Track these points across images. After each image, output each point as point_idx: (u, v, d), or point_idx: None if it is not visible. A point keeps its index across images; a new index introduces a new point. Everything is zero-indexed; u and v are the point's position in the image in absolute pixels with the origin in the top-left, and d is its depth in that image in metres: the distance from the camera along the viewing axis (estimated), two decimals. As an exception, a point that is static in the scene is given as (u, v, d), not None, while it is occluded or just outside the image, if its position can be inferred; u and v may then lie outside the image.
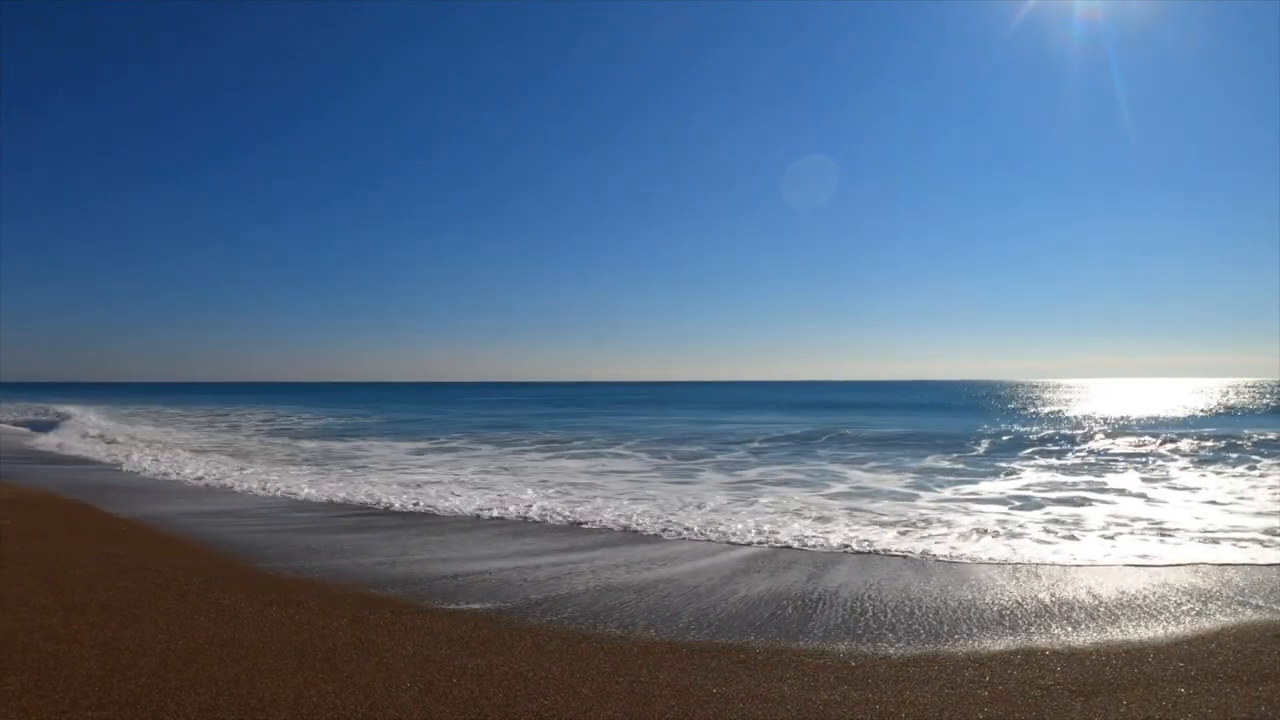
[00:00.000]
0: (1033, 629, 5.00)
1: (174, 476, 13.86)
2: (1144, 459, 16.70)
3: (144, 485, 12.83)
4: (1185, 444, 20.12)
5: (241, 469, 14.88)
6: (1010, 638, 4.81)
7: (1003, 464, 15.76)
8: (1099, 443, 20.73)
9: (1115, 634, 4.88)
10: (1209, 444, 19.93)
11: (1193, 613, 5.35)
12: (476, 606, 5.50)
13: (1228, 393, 78.42)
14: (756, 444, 20.86)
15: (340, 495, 11.42)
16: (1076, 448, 19.26)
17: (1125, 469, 14.80)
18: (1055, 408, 46.14)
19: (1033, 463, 16.14)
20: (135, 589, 5.77)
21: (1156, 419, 32.67)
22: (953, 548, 7.54)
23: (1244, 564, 6.84)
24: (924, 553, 7.35)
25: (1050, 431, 24.68)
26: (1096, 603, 5.62)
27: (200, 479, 13.40)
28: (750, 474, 14.37)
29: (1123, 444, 20.38)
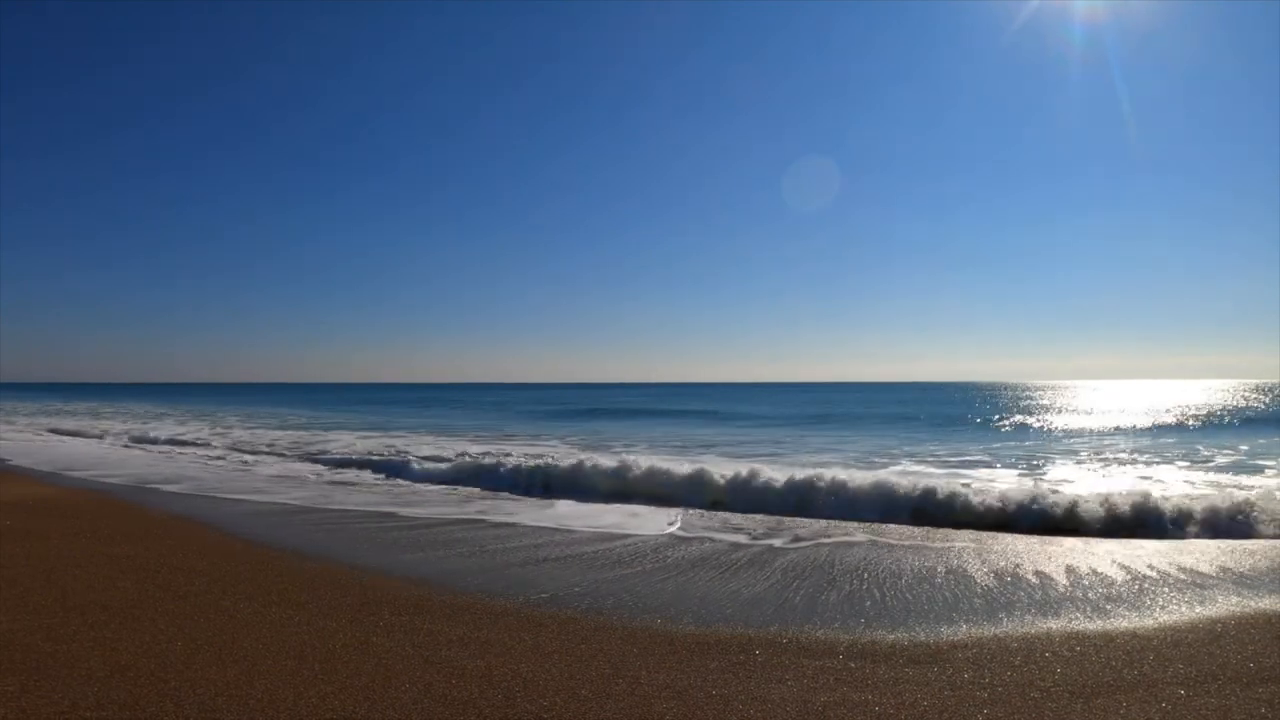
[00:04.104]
0: (1031, 629, 5.00)
1: None
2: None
3: None
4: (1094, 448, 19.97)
5: None
6: (1010, 638, 4.81)
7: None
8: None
9: (1115, 634, 4.87)
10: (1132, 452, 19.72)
11: (1193, 613, 5.34)
12: (478, 608, 5.49)
13: (1222, 395, 77.67)
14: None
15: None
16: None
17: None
18: (1042, 413, 45.22)
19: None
20: (135, 590, 5.77)
21: (1124, 427, 31.84)
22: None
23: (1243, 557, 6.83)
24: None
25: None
26: (1095, 603, 5.61)
27: None
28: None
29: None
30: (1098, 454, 19.25)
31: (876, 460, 17.15)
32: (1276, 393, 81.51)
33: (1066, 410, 49.11)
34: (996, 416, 39.86)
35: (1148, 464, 16.59)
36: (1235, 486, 12.22)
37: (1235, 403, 55.87)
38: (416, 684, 3.93)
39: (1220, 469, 15.34)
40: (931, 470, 15.36)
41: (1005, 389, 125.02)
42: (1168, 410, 45.61)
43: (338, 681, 3.94)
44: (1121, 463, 16.93)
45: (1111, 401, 64.70)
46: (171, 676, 3.95)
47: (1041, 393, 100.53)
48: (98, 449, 20.29)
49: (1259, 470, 14.87)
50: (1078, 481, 13.56)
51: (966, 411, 45.48)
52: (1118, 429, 30.38)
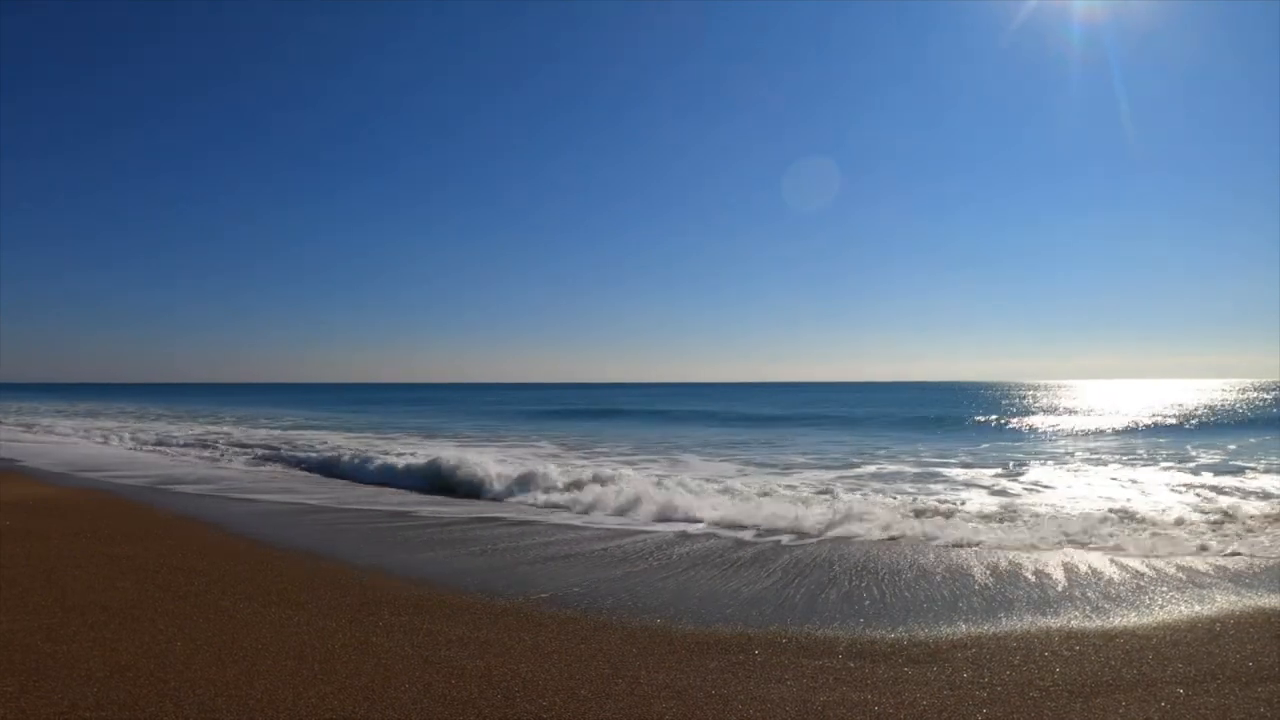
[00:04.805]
0: (1030, 628, 5.00)
1: None
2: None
3: None
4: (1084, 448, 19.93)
5: None
6: (1009, 637, 4.82)
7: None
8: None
9: (1114, 634, 4.88)
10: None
11: (1192, 612, 5.35)
12: (478, 608, 5.49)
13: (1220, 395, 77.61)
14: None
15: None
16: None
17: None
18: (1039, 413, 44.88)
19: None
20: (135, 590, 5.77)
21: (1103, 429, 31.52)
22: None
23: (1245, 563, 6.84)
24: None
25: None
26: (1094, 602, 5.62)
27: None
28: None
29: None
30: (1084, 455, 19.17)
31: (855, 461, 17.14)
32: (1275, 392, 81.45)
33: (1063, 410, 48.99)
34: (992, 417, 39.71)
35: (1128, 464, 16.58)
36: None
37: (1233, 403, 55.81)
38: (416, 684, 3.93)
39: (1199, 469, 15.31)
40: (905, 470, 15.36)
41: (1005, 389, 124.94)
42: (1163, 410, 45.50)
43: (337, 681, 3.94)
44: (1105, 463, 16.86)
45: (1109, 401, 64.65)
46: (171, 677, 3.95)
47: (1040, 393, 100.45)
48: (93, 449, 20.26)
49: (1240, 471, 14.82)
50: (1051, 483, 13.57)
51: (963, 412, 45.42)
52: (1111, 430, 30.28)
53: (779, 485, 12.31)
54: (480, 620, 5.17)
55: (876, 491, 11.84)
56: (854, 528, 8.55)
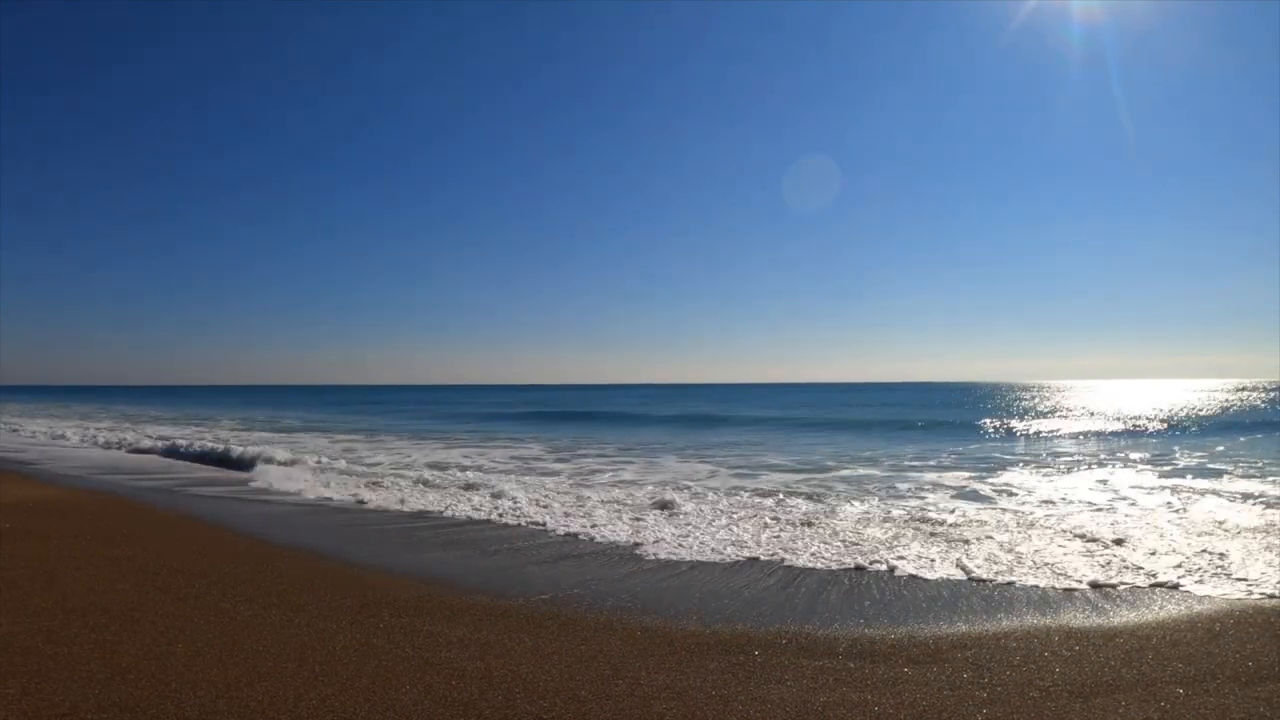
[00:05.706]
0: (1031, 628, 5.01)
1: None
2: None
3: None
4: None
5: None
6: (1009, 637, 4.82)
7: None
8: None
9: (1114, 634, 4.89)
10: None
11: (1191, 612, 5.36)
12: (478, 609, 5.50)
13: (1218, 396, 77.55)
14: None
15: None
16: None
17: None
18: (1035, 415, 44.79)
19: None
20: (135, 592, 5.77)
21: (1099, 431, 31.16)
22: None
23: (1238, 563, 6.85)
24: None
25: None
26: (1094, 602, 5.63)
27: None
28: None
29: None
30: (1069, 458, 19.04)
31: (830, 466, 16.91)
32: (1274, 393, 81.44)
33: (1060, 412, 48.97)
34: (987, 419, 39.55)
35: (1109, 467, 16.51)
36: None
37: (1229, 403, 55.85)
38: (417, 686, 3.94)
39: (1176, 473, 15.20)
40: (876, 474, 15.18)
41: (1005, 389, 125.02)
42: (1159, 411, 45.44)
43: (338, 683, 3.94)
44: (1087, 467, 16.70)
45: (1106, 402, 64.65)
46: (172, 679, 3.95)
47: (1040, 393, 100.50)
48: (95, 452, 20.25)
49: (1217, 475, 14.71)
50: (1025, 483, 13.61)
51: (960, 414, 45.32)
52: (1104, 431, 30.25)
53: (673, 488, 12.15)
54: (481, 621, 5.17)
55: (847, 497, 11.71)
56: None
